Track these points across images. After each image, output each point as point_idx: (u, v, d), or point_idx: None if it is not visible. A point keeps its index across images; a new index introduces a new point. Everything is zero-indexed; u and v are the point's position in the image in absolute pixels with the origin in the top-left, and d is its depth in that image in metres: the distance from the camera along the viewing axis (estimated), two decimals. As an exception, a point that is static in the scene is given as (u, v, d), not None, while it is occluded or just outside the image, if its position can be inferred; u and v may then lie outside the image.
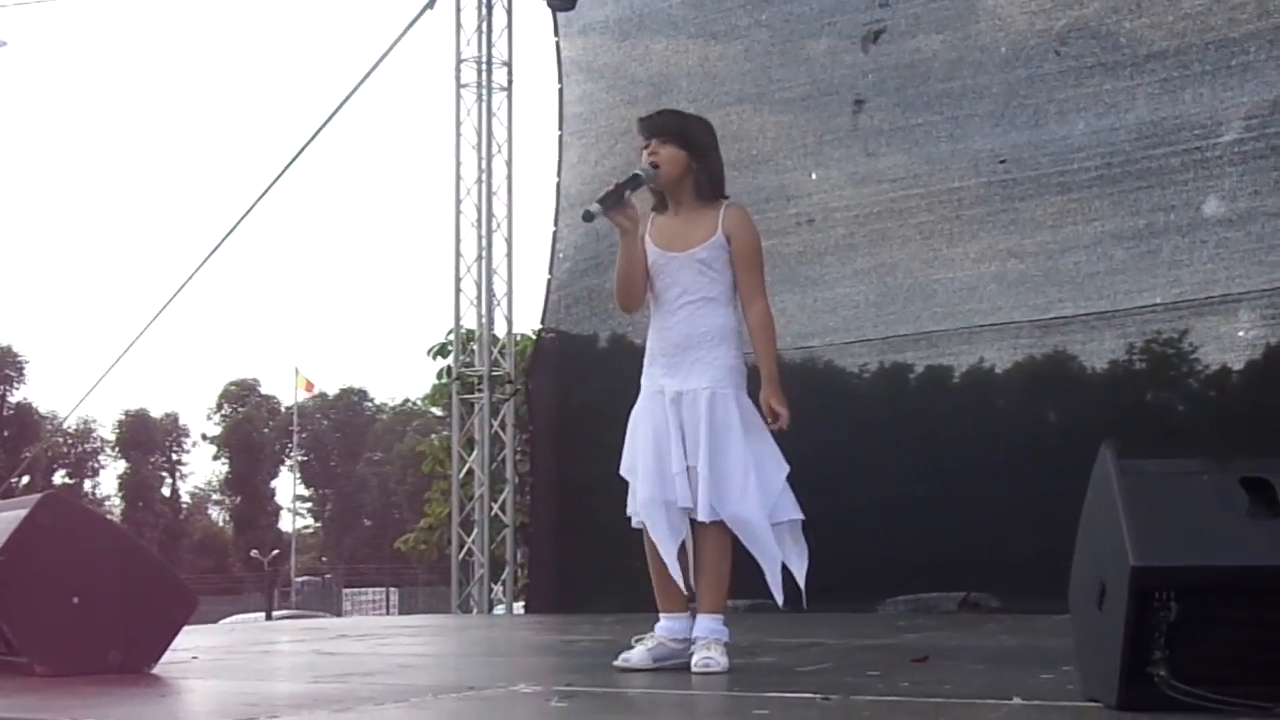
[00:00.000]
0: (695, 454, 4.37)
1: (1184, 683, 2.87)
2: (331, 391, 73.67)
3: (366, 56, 14.80)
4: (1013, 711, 3.31)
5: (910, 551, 9.41)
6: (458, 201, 12.39)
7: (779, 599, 4.43)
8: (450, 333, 13.49)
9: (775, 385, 4.46)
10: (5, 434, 59.11)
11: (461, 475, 12.55)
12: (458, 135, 12.45)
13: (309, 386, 60.55)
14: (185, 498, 73.45)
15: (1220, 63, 8.97)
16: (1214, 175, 8.96)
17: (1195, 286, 8.98)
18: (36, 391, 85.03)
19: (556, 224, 11.91)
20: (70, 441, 67.01)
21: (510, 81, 12.52)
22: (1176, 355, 9.21)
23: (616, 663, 4.50)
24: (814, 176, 10.52)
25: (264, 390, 72.95)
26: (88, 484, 68.50)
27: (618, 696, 3.96)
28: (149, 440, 69.58)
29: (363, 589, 48.06)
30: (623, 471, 4.57)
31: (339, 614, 39.73)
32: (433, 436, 31.23)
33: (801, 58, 10.67)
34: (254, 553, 53.77)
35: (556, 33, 12.16)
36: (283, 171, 12.42)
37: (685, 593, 4.49)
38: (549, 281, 11.99)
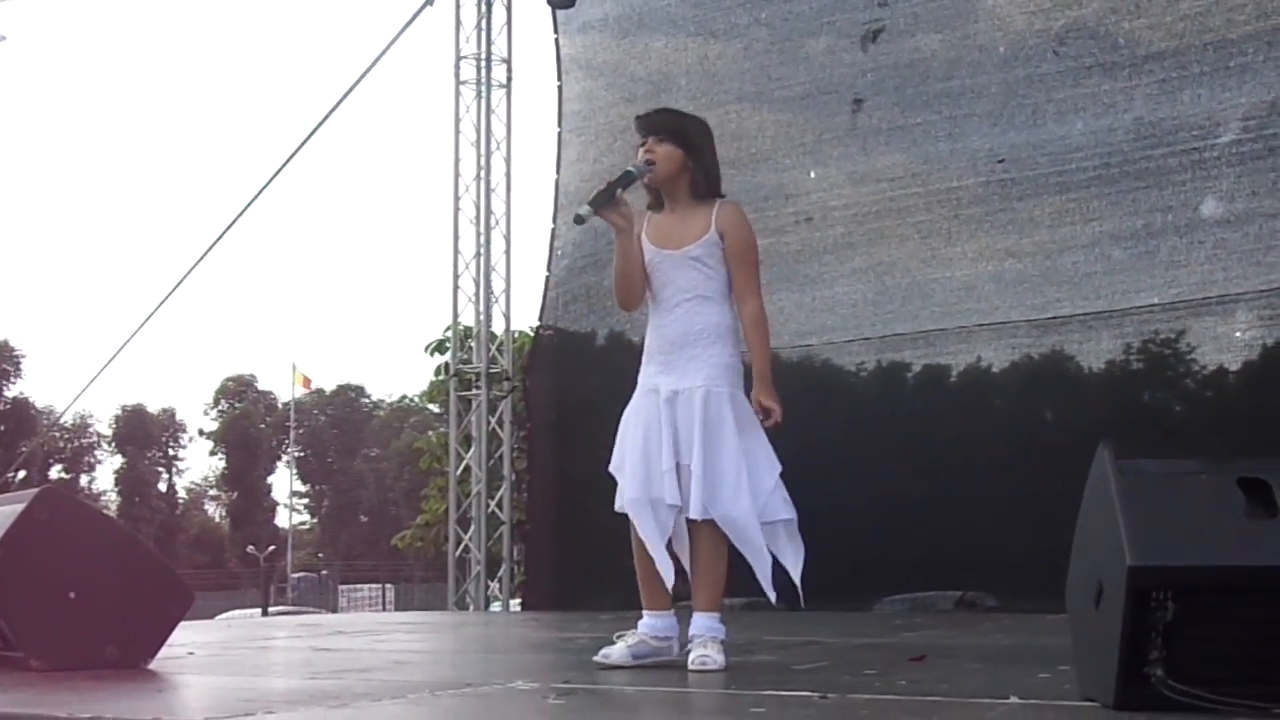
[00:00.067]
0: (689, 452, 4.38)
1: (1181, 683, 2.87)
2: (329, 388, 73.73)
3: (366, 53, 14.81)
4: (1010, 711, 3.31)
5: (907, 550, 9.41)
6: (456, 198, 12.39)
7: (771, 597, 4.44)
8: (448, 329, 13.50)
9: (767, 382, 4.46)
10: (2, 428, 59.04)
11: (459, 472, 12.54)
12: (456, 132, 12.44)
13: (306, 382, 60.51)
14: (182, 493, 73.47)
15: (1218, 64, 8.96)
16: (1212, 176, 8.95)
17: (1193, 287, 8.98)
18: (33, 386, 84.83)
19: (555, 221, 11.91)
20: (67, 436, 66.99)
21: (509, 78, 12.52)
22: (1174, 355, 9.21)
23: (597, 658, 4.50)
24: (813, 175, 10.51)
25: (261, 386, 73.09)
26: (84, 479, 68.52)
27: (615, 694, 3.96)
28: (146, 435, 69.55)
29: (359, 585, 48.11)
30: (611, 468, 4.58)
31: (335, 610, 39.76)
32: (430, 433, 31.21)
33: (800, 56, 10.66)
34: (250, 548, 53.83)
35: (556, 30, 12.15)
36: (281, 167, 12.41)
37: (670, 590, 4.49)
38: (547, 278, 11.98)
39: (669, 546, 4.47)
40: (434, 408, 34.60)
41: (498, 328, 12.55)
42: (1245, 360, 8.94)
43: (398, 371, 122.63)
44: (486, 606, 12.11)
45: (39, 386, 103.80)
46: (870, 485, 9.54)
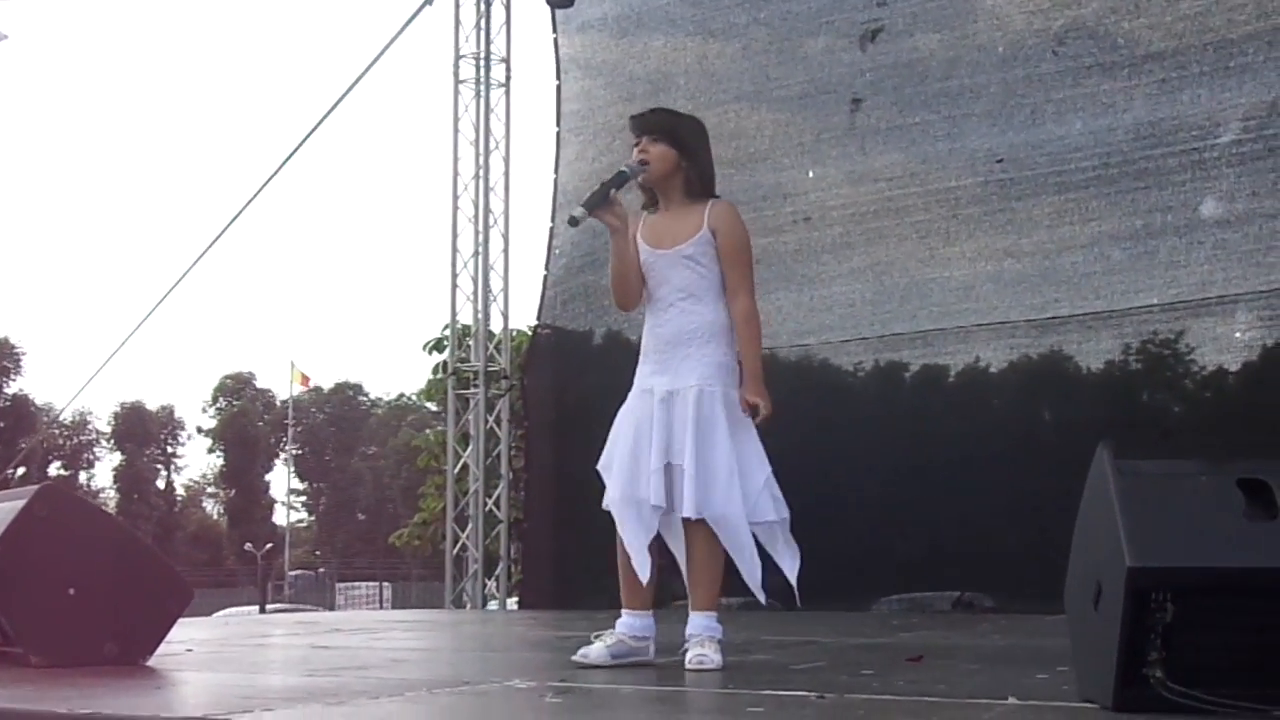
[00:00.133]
0: (681, 452, 4.37)
1: (1180, 684, 2.87)
2: (327, 386, 73.70)
3: (365, 52, 14.80)
4: (1008, 711, 3.31)
5: (905, 550, 9.42)
6: (455, 197, 12.39)
7: (761, 598, 4.44)
8: (446, 328, 13.48)
9: (757, 379, 4.45)
10: (1, 425, 58.99)
11: (456, 470, 12.53)
12: (455, 131, 12.44)
13: (304, 380, 60.52)
14: (180, 490, 73.41)
15: (1218, 64, 8.96)
16: (1211, 176, 8.96)
17: (1192, 287, 8.98)
18: (33, 383, 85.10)
19: (553, 220, 11.91)
20: (66, 433, 66.99)
21: (508, 78, 12.52)
22: (1173, 356, 9.22)
23: (575, 658, 4.49)
24: (811, 175, 10.51)
25: (259, 384, 73.11)
26: (83, 476, 68.51)
27: (612, 693, 3.96)
28: (144, 433, 69.52)
29: (356, 583, 47.99)
30: (599, 467, 4.59)
31: (332, 608, 39.68)
32: (428, 431, 31.16)
33: (799, 56, 10.66)
34: (248, 546, 53.81)
35: (555, 29, 12.14)
36: (281, 165, 12.43)
37: (650, 590, 4.50)
38: (545, 277, 11.99)
39: (667, 545, 4.47)
40: (432, 406, 34.61)
41: (496, 326, 12.55)
42: (1245, 361, 8.94)
43: (396, 370, 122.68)
44: (484, 605, 12.12)
45: (39, 383, 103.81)
46: (867, 485, 9.55)
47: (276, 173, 12.42)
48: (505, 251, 12.44)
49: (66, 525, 4.78)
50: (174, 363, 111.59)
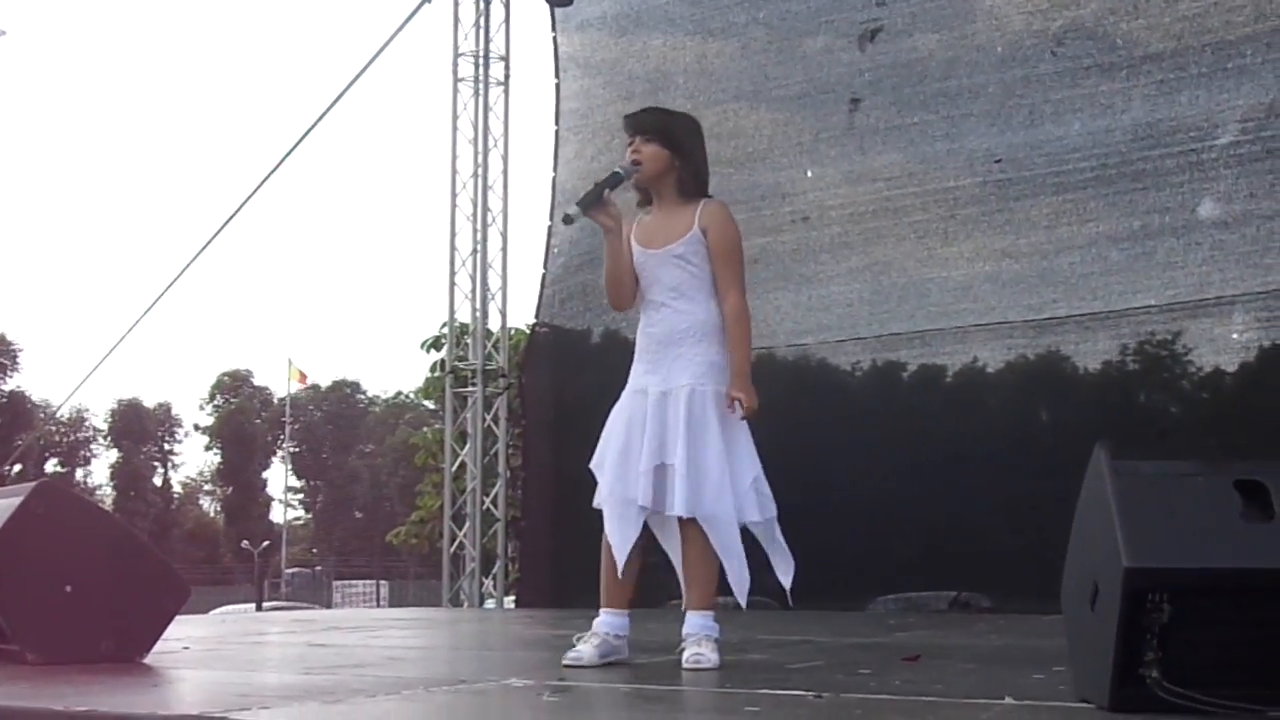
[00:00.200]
0: (673, 452, 4.38)
1: (1176, 684, 2.88)
2: (324, 383, 73.65)
3: (364, 50, 14.81)
4: (1005, 711, 3.31)
5: (902, 550, 9.42)
6: (453, 195, 12.38)
7: (742, 601, 4.43)
8: (444, 326, 13.51)
9: (743, 376, 4.45)
10: (-2, 422, 58.99)
11: (454, 468, 12.53)
12: (454, 129, 12.44)
13: (302, 378, 60.48)
14: (177, 488, 73.37)
15: (1216, 65, 8.97)
16: (1209, 177, 8.96)
17: (1190, 288, 8.99)
18: (30, 380, 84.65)
19: (551, 219, 11.92)
20: (63, 430, 66.89)
21: (507, 76, 12.52)
22: (1170, 357, 9.22)
23: (566, 662, 4.47)
24: (809, 174, 10.51)
25: (257, 381, 73.02)
26: (80, 473, 68.43)
27: (609, 692, 3.96)
28: (141, 430, 69.48)
29: (353, 581, 47.92)
30: (592, 465, 4.60)
31: (329, 606, 39.66)
32: (425, 430, 31.20)
33: (798, 56, 10.66)
34: (245, 543, 53.74)
35: (554, 28, 12.15)
36: (279, 163, 12.43)
37: (629, 591, 4.51)
38: (543, 276, 11.99)
39: (661, 545, 4.48)
40: (429, 404, 34.63)
41: (494, 324, 12.55)
42: (1242, 362, 8.95)
43: (393, 368, 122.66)
44: (481, 603, 12.12)
45: (35, 380, 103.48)
46: (864, 485, 9.55)
47: (275, 170, 12.43)
48: (503, 250, 12.46)
49: (63, 522, 4.78)
50: (171, 360, 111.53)
